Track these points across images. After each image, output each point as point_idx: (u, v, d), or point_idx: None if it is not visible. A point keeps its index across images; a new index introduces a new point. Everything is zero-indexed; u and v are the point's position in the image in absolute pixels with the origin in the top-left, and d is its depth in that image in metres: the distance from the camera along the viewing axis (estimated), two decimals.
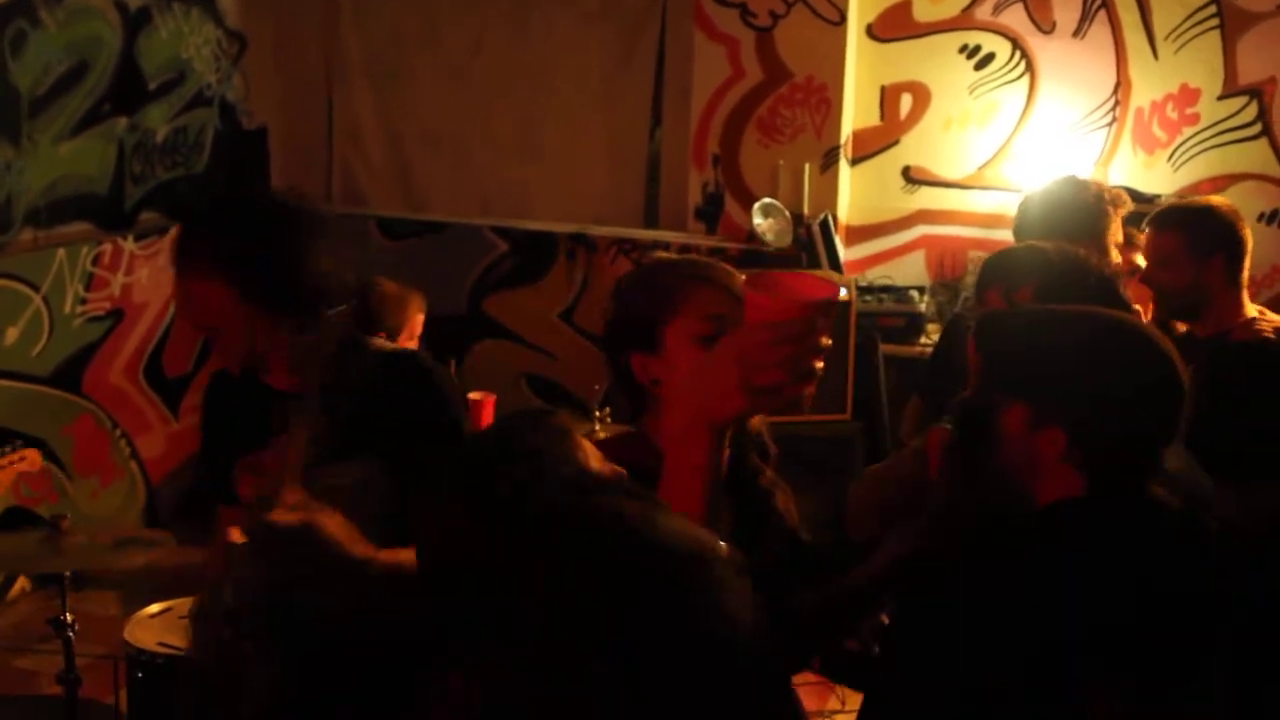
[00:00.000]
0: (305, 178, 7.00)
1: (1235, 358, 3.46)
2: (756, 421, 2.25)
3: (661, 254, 2.37)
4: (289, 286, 2.61)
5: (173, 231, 5.85)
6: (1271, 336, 3.48)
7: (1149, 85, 5.82)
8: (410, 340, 4.56)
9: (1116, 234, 3.61)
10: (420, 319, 4.65)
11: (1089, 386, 2.02)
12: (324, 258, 2.70)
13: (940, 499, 2.32)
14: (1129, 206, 3.70)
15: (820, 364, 1.78)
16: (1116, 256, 3.54)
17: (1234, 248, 3.58)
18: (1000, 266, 2.99)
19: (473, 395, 5.48)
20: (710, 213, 6.26)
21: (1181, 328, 3.65)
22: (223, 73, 6.52)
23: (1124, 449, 2.05)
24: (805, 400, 1.79)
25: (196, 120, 6.38)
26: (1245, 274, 3.61)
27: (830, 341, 1.79)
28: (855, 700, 3.20)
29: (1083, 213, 3.53)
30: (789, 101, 6.11)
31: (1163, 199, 5.48)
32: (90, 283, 5.68)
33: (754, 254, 5.97)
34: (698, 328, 2.17)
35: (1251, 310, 3.59)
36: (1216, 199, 3.86)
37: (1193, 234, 3.58)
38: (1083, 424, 2.00)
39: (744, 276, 2.01)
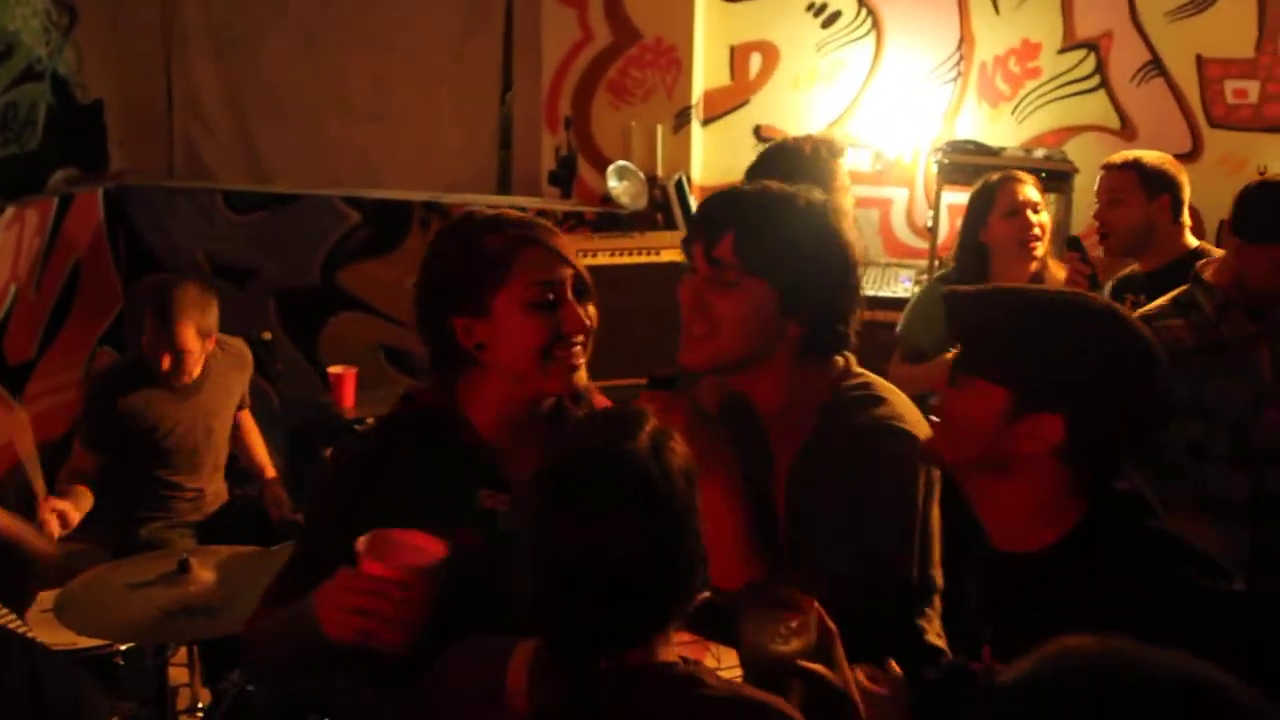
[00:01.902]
0: (145, 152, 6.83)
1: None
2: (584, 380, 2.28)
3: (478, 211, 2.28)
4: None
5: (8, 211, 5.72)
6: None
7: (992, 40, 5.92)
8: (154, 352, 4.41)
9: (843, 179, 3.79)
10: (164, 334, 4.41)
11: (1086, 365, 1.89)
12: None
13: None
14: (843, 151, 3.89)
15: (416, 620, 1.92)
16: (848, 200, 3.77)
17: (1178, 190, 3.97)
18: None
19: (333, 369, 5.40)
20: (564, 176, 6.23)
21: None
22: (53, 45, 6.29)
23: (1118, 435, 1.93)
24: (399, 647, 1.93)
25: (27, 95, 6.15)
26: (1185, 217, 3.97)
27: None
28: (730, 657, 3.22)
29: (800, 170, 3.63)
30: (639, 63, 6.09)
31: (1008, 151, 5.60)
32: None
33: (609, 217, 5.96)
34: (530, 294, 2.17)
35: (1193, 242, 3.98)
36: (1160, 154, 4.14)
37: (1144, 174, 3.97)
38: (1081, 407, 1.87)
39: (360, 542, 1.95)
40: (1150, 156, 4.07)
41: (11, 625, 2.25)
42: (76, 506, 4.17)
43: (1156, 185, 3.96)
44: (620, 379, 5.06)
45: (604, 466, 1.69)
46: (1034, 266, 4.13)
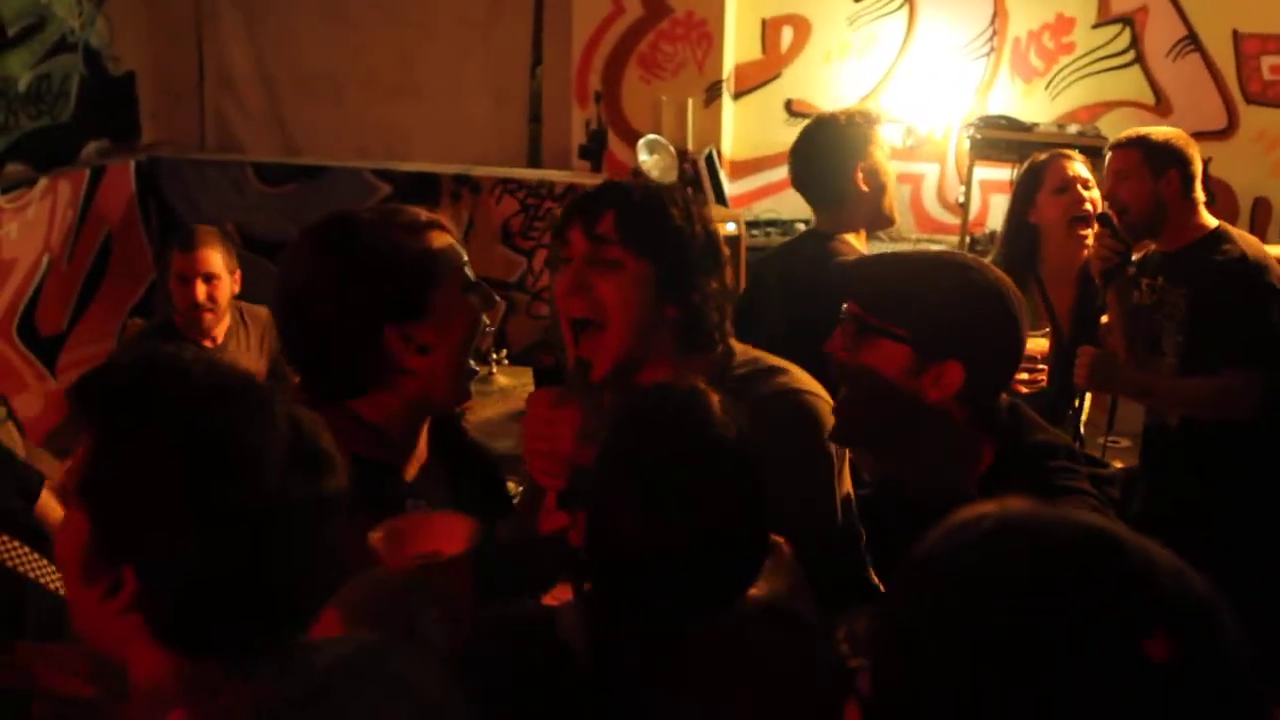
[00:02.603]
0: (177, 124, 6.86)
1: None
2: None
3: (352, 213, 2.09)
4: None
5: (41, 182, 5.75)
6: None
7: (1026, 14, 5.88)
8: (183, 284, 4.36)
9: (883, 146, 3.72)
10: (188, 258, 4.36)
11: (974, 314, 2.02)
12: None
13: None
14: (880, 119, 3.81)
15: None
16: (889, 166, 3.70)
17: (1187, 165, 3.80)
18: None
19: None
20: (594, 150, 6.22)
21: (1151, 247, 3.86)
22: (85, 17, 6.31)
23: (1005, 371, 2.11)
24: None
25: (59, 67, 6.17)
26: (1198, 193, 3.81)
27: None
28: None
29: (841, 139, 3.62)
30: (670, 37, 6.07)
31: (1041, 127, 5.56)
32: None
33: None
34: (463, 277, 2.10)
35: (1212, 222, 3.79)
36: (1170, 128, 4.00)
37: (1149, 149, 3.82)
38: (976, 351, 2.00)
39: (376, 535, 1.83)
40: (1157, 132, 3.93)
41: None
42: None
43: (1162, 161, 3.81)
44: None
45: (685, 455, 1.67)
46: (1086, 251, 3.90)
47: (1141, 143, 3.87)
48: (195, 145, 6.88)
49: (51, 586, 2.22)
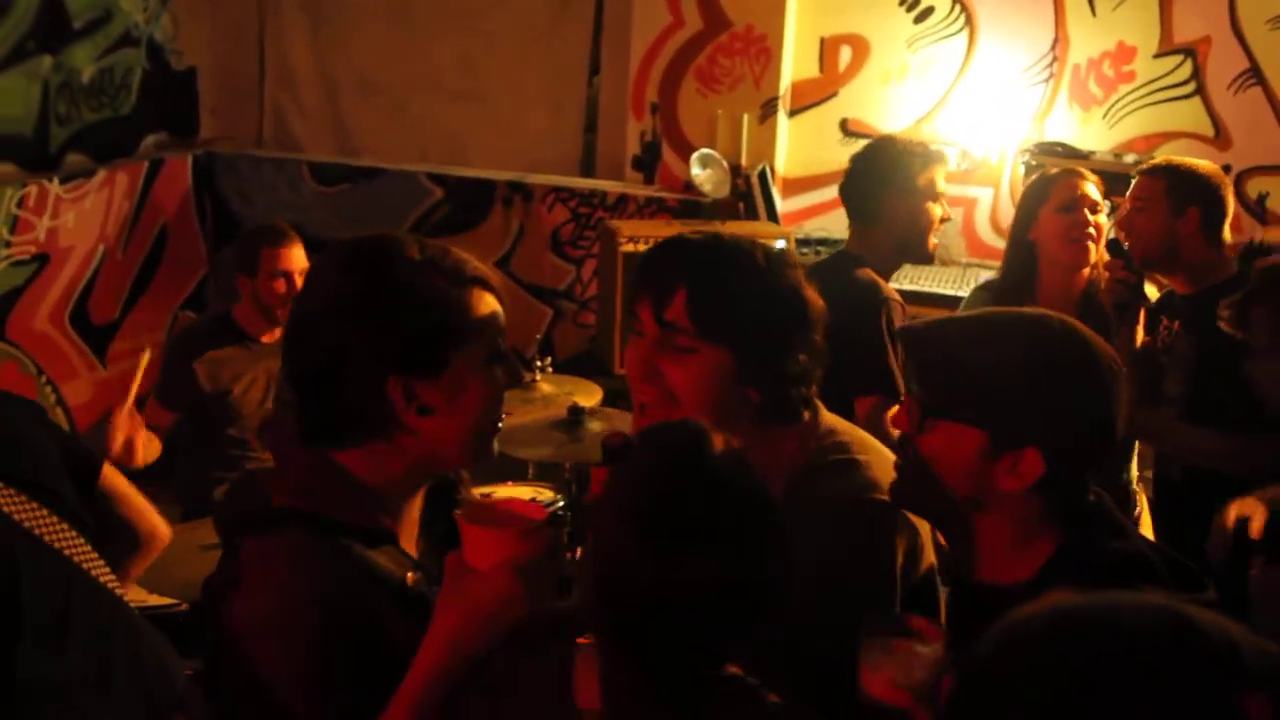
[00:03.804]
0: (235, 120, 6.92)
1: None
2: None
3: (407, 240, 1.89)
4: None
5: (100, 173, 5.81)
6: None
7: (1087, 42, 5.84)
8: (275, 279, 4.44)
9: (931, 183, 3.64)
10: (282, 254, 4.44)
11: (1057, 393, 1.80)
12: None
13: None
14: (941, 157, 3.73)
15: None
16: (934, 208, 3.63)
17: (1212, 206, 3.67)
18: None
19: None
20: (647, 162, 6.23)
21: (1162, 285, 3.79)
22: (150, 12, 6.38)
23: (1092, 457, 1.87)
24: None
25: (123, 60, 6.25)
26: (1226, 235, 3.69)
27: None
28: None
29: (889, 165, 3.59)
30: (728, 51, 6.07)
31: (1097, 155, 5.53)
32: (15, 226, 5.54)
33: (691, 204, 5.95)
34: (494, 345, 1.89)
35: (1236, 268, 3.67)
36: (1206, 163, 3.86)
37: (1173, 182, 3.69)
38: (1059, 437, 1.79)
39: (460, 512, 1.79)
40: (1189, 164, 3.77)
41: (112, 586, 2.28)
42: (146, 445, 4.21)
43: (1186, 196, 3.66)
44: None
45: (685, 499, 1.62)
46: (1086, 273, 3.79)
47: (1168, 172, 3.73)
48: (253, 142, 6.94)
49: (94, 573, 2.23)
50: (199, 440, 4.53)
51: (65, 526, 2.22)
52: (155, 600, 3.58)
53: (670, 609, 1.60)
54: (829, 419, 2.20)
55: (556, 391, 4.51)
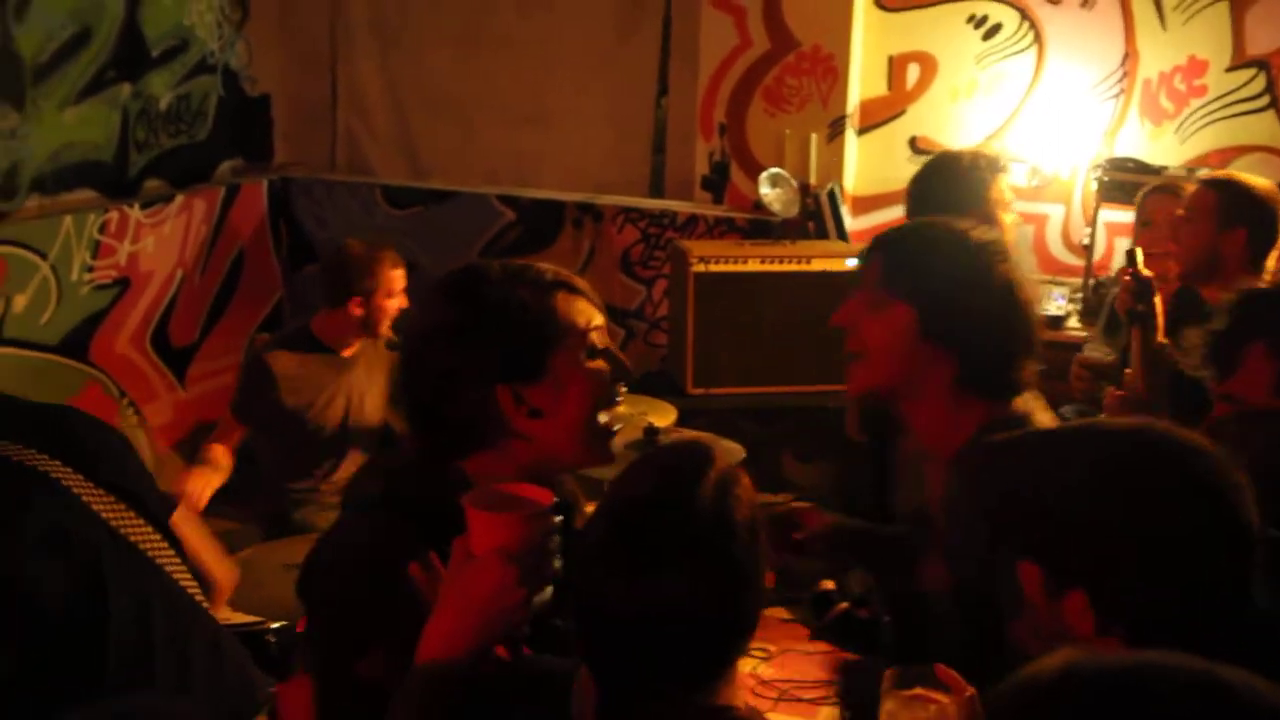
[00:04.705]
0: (309, 145, 7.02)
1: None
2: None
3: (482, 264, 2.06)
4: None
5: (178, 199, 5.93)
6: None
7: (1157, 56, 5.81)
8: (390, 298, 4.52)
9: (1001, 194, 3.63)
10: (396, 274, 4.54)
11: (1117, 534, 1.56)
12: None
13: None
14: (1006, 168, 3.72)
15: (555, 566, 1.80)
16: (1005, 217, 3.61)
17: (1260, 229, 3.64)
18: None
19: None
20: (716, 182, 6.25)
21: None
22: (225, 40, 6.50)
23: (1181, 618, 1.54)
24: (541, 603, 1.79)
25: (200, 88, 6.37)
26: (1270, 262, 3.65)
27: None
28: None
29: (955, 181, 3.57)
30: (796, 71, 6.09)
31: (1169, 170, 5.49)
32: (97, 250, 5.67)
33: (761, 224, 5.97)
34: (587, 343, 2.01)
35: None
36: (1269, 185, 3.82)
37: (1225, 197, 3.68)
38: (1110, 586, 1.56)
39: (468, 495, 1.82)
40: (1247, 182, 3.72)
41: (193, 593, 2.33)
42: (210, 476, 4.27)
43: (1234, 215, 3.63)
44: (769, 386, 5.11)
45: (662, 517, 1.62)
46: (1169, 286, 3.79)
47: (1222, 187, 3.71)
48: (326, 166, 7.04)
49: (177, 578, 2.28)
50: (278, 457, 4.58)
51: (151, 530, 2.28)
52: (239, 618, 3.65)
53: (635, 628, 1.61)
54: (1025, 408, 2.30)
55: (630, 412, 4.54)
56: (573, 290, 2.03)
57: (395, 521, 1.94)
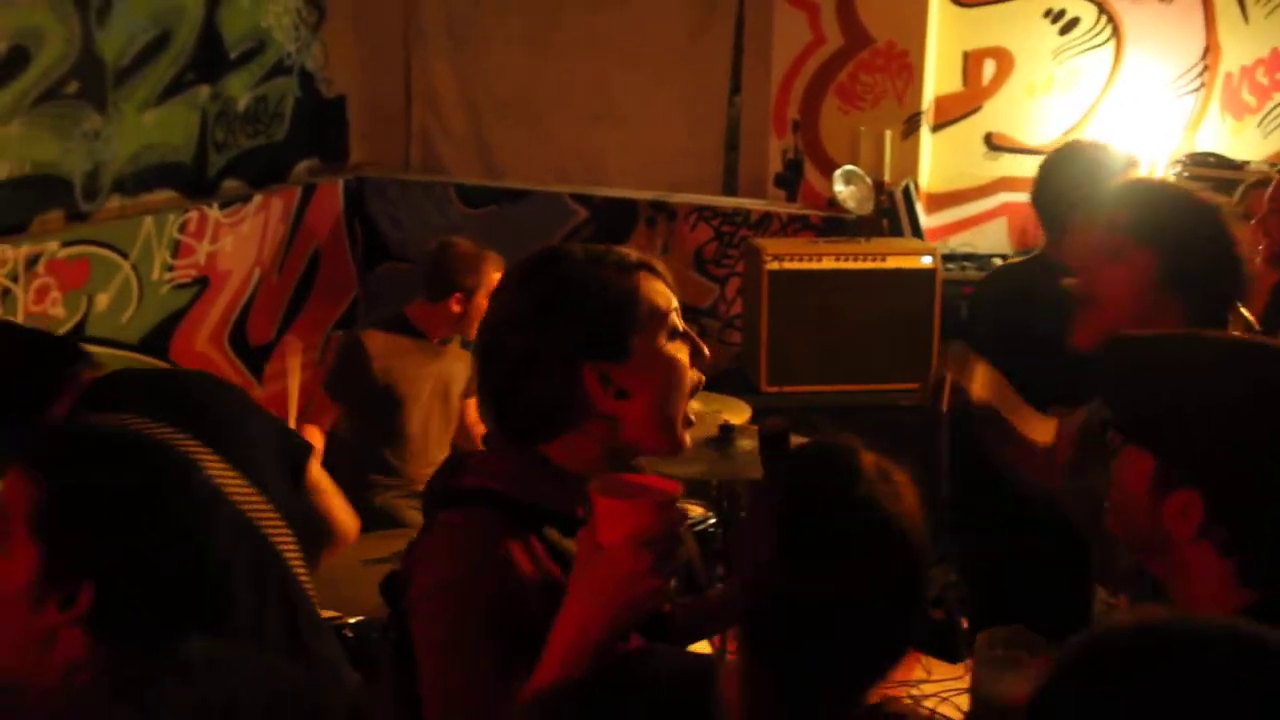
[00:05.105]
0: (383, 145, 7.07)
1: None
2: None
3: (565, 246, 2.07)
4: None
5: (256, 199, 6.00)
6: None
7: (1239, 49, 5.72)
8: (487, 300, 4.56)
9: None
10: (498, 277, 4.62)
11: (1251, 439, 1.66)
12: None
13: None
14: (1133, 161, 3.74)
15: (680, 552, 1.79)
16: None
17: None
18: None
19: None
20: (790, 180, 6.23)
21: None
22: (302, 41, 6.57)
23: None
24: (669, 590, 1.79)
25: (277, 89, 6.44)
26: None
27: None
28: (941, 669, 3.19)
29: (1073, 171, 3.52)
30: (870, 67, 6.05)
31: (1252, 165, 5.41)
32: (177, 250, 5.75)
33: (835, 221, 5.94)
34: (668, 325, 2.00)
35: None
36: None
37: None
38: (1230, 490, 1.65)
39: (593, 482, 1.82)
40: None
41: (299, 572, 2.40)
42: None
43: None
44: (844, 384, 5.09)
45: (850, 513, 1.61)
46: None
47: None
48: (401, 166, 7.09)
49: (288, 557, 2.34)
50: (364, 440, 4.63)
51: (270, 509, 2.34)
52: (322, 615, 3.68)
53: (804, 622, 1.60)
54: None
55: (705, 409, 4.53)
56: (653, 272, 2.03)
57: (490, 515, 1.92)
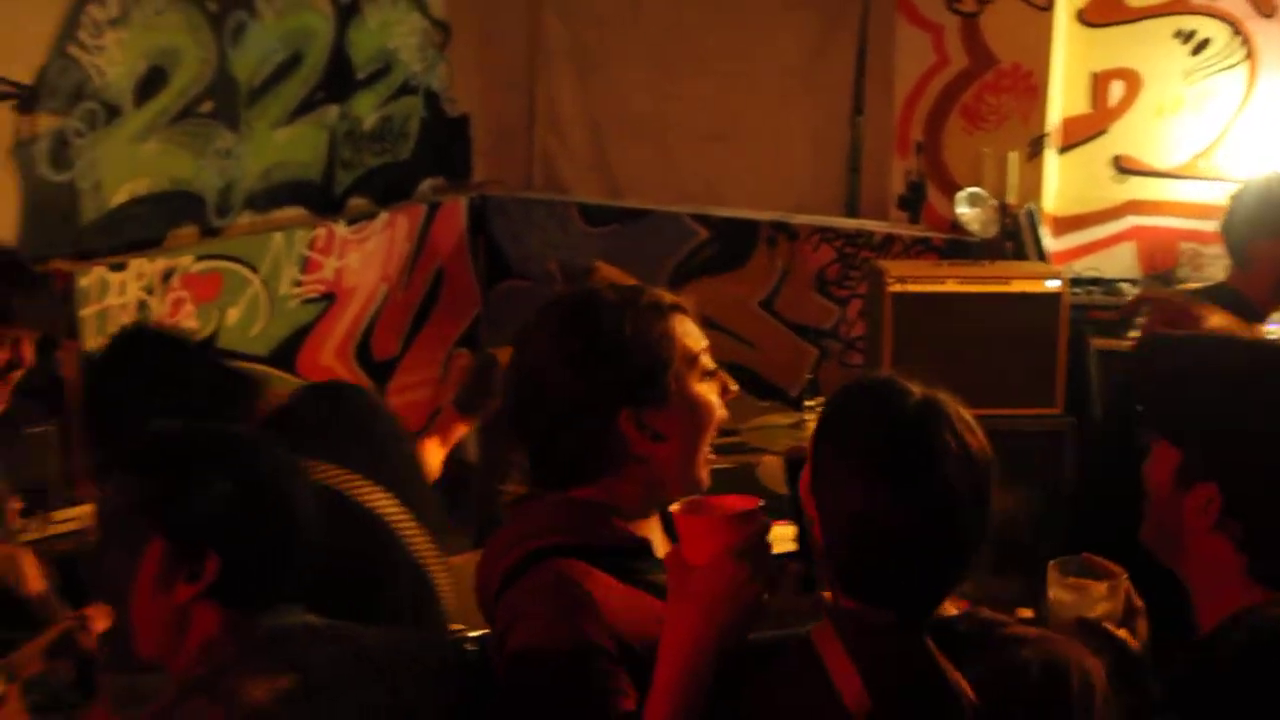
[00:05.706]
0: (507, 165, 7.15)
1: None
2: None
3: (601, 290, 2.10)
4: None
5: (382, 216, 6.10)
6: None
7: None
8: None
9: None
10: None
11: (1269, 438, 1.77)
12: None
13: None
14: None
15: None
16: None
17: None
18: None
19: None
20: (913, 201, 6.19)
21: None
22: (428, 62, 6.67)
23: None
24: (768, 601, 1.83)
25: (402, 108, 6.55)
26: None
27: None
28: None
29: (1259, 205, 3.46)
30: (995, 88, 6.00)
31: None
32: (305, 266, 5.87)
33: (958, 244, 5.89)
34: (701, 365, 2.05)
35: None
36: None
37: None
38: (1246, 486, 1.77)
39: (675, 507, 1.88)
40: None
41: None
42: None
43: None
44: (967, 408, 5.02)
45: (927, 443, 1.71)
46: None
47: None
48: (523, 184, 7.16)
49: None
50: (495, 455, 4.65)
51: (405, 511, 2.42)
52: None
53: (892, 541, 1.68)
54: None
55: None
56: (684, 313, 2.07)
57: (571, 564, 1.93)
